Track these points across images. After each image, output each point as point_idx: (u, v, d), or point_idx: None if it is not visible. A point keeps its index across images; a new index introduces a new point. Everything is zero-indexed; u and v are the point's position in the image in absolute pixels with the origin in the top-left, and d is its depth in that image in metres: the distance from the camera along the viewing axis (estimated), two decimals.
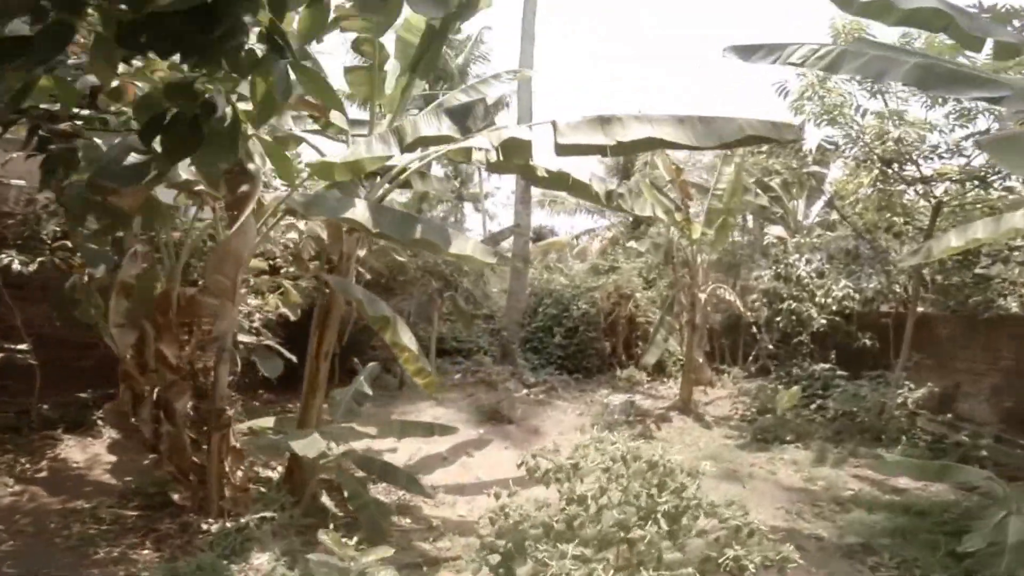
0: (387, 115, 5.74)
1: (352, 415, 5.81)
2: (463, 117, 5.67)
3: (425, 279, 10.26)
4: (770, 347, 14.03)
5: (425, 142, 5.03)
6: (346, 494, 4.82)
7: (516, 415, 8.74)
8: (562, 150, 4.82)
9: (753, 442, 8.81)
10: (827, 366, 11.23)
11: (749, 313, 12.58)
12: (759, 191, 14.79)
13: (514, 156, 4.96)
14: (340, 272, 5.33)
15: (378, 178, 5.38)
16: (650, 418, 9.28)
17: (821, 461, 7.86)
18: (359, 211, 4.44)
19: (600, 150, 5.07)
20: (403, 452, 7.42)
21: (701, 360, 10.68)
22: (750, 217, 16.62)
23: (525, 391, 10.63)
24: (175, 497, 4.83)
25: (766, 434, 8.96)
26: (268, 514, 4.69)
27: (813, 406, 9.97)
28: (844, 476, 7.34)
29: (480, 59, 18.83)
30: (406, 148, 4.67)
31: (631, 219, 16.83)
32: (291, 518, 4.80)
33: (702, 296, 10.86)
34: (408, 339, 4.65)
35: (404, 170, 5.46)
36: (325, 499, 4.76)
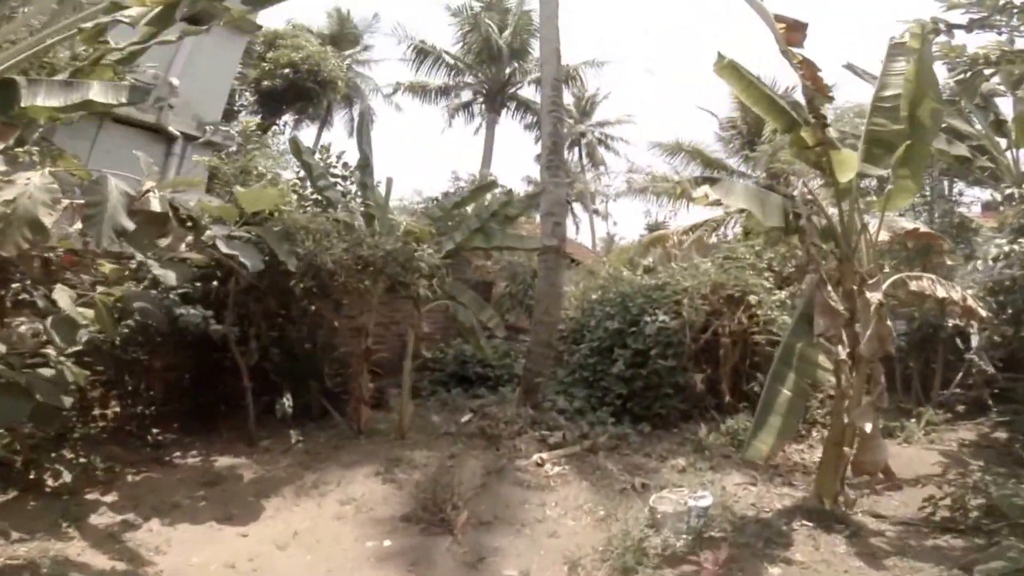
0: None
1: None
2: None
3: (384, 283, 6.62)
4: (989, 370, 8.95)
5: None
6: None
7: (459, 519, 4.69)
8: None
9: None
10: None
11: (971, 318, 7.06)
12: (951, 138, 9.28)
13: None
14: None
15: None
16: (729, 545, 4.63)
17: None
18: None
19: None
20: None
21: (869, 428, 5.08)
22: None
23: (538, 457, 6.52)
24: None
25: None
26: None
27: None
28: None
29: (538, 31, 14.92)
30: None
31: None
32: None
33: (875, 297, 5.24)
34: None
35: None
36: None
